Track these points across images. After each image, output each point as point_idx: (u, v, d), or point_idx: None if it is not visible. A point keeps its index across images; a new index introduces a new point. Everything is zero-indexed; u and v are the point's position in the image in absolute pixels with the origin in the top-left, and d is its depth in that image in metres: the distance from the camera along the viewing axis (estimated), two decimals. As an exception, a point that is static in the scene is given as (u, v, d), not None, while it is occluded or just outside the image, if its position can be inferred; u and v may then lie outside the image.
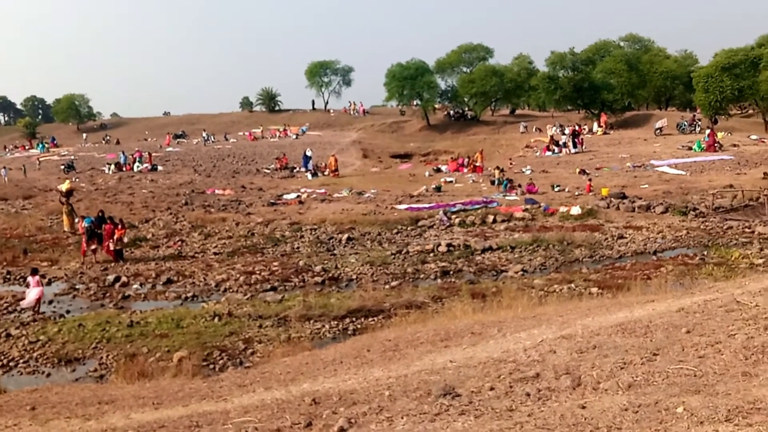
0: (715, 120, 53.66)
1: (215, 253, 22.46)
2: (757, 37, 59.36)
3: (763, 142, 43.85)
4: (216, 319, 14.76)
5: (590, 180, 32.61)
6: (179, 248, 23.23)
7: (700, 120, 53.14)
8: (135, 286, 18.87)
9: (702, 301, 7.47)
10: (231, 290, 18.10)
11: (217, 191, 34.19)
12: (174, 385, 8.90)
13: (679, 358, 5.49)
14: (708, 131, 45.46)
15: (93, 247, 21.63)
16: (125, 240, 22.33)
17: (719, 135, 44.72)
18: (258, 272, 19.59)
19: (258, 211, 28.55)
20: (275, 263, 20.68)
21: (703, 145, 42.35)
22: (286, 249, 22.92)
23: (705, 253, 20.24)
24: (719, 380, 4.76)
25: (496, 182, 35.11)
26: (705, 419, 3.97)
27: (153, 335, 13.83)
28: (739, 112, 65.89)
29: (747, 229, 23.60)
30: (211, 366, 12.23)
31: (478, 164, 41.22)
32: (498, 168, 38.00)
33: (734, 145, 42.93)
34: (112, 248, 21.49)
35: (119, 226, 21.95)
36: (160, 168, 43.71)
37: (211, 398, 7.67)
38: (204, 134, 60.00)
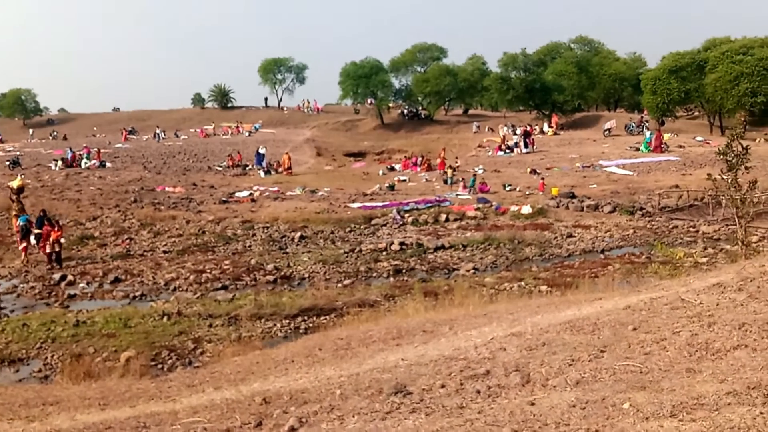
0: (662, 122, 54.90)
1: (165, 252, 22.14)
2: (704, 41, 60.88)
3: (708, 143, 45.00)
4: (165, 319, 14.57)
5: (543, 179, 33.06)
6: (128, 246, 22.82)
7: (647, 121, 54.31)
8: (81, 285, 18.49)
9: (648, 299, 7.61)
10: (181, 289, 17.88)
11: (167, 189, 33.67)
12: (121, 386, 8.74)
13: (626, 355, 5.59)
14: (649, 132, 46.51)
15: (23, 245, 20.92)
16: (63, 242, 21.09)
17: (666, 136, 45.75)
18: (208, 271, 19.38)
19: (209, 209, 28.22)
20: (226, 262, 20.49)
21: (649, 147, 43.27)
22: (237, 247, 22.72)
23: (651, 251, 20.70)
24: (664, 376, 4.86)
25: (449, 181, 35.35)
26: (650, 415, 4.04)
27: (100, 335, 13.59)
28: (685, 114, 67.52)
29: (692, 229, 24.22)
30: (160, 366, 12.07)
31: (440, 159, 41.46)
32: (450, 167, 38.25)
33: (680, 147, 43.99)
34: (48, 250, 20.62)
35: (55, 228, 20.77)
36: (108, 165, 42.83)
37: (159, 399, 7.55)
38: (157, 131, 58.99)
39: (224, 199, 30.74)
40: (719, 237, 22.63)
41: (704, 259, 18.98)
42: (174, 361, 12.34)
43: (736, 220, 15.62)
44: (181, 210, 28.01)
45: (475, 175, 32.54)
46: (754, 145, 15.81)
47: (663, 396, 4.31)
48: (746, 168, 14.76)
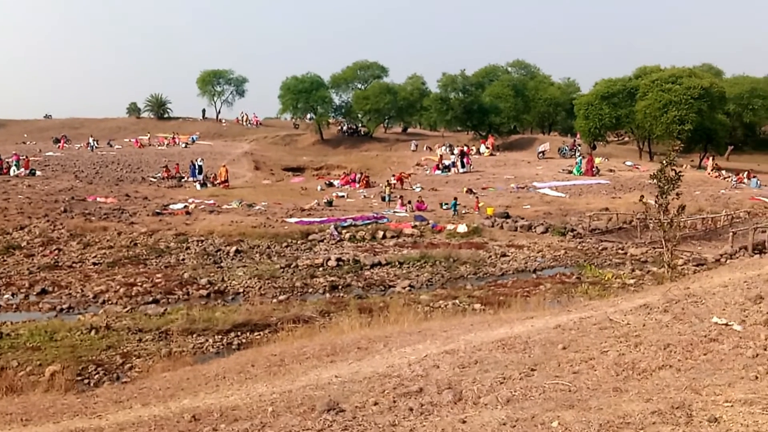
0: (593, 146, 56.47)
1: (94, 264, 21.54)
2: (635, 69, 63.01)
3: (637, 168, 46.45)
4: (93, 332, 14.18)
5: (478, 198, 33.47)
6: (56, 257, 22.11)
7: (580, 145, 55.79)
8: (6, 296, 17.86)
9: (577, 319, 7.78)
10: (110, 302, 17.42)
11: (99, 199, 32.78)
12: (45, 401, 8.45)
13: (555, 374, 5.70)
14: (580, 156, 47.83)
15: None
16: None
17: (597, 160, 47.03)
18: (140, 284, 18.94)
19: (142, 221, 27.58)
20: (158, 275, 20.06)
21: (582, 169, 44.40)
22: (170, 260, 22.28)
23: (581, 272, 21.20)
24: (592, 395, 4.97)
25: (387, 198, 35.49)
26: (578, 432, 4.13)
27: (24, 348, 13.13)
28: (616, 139, 69.63)
29: (620, 251, 24.92)
30: (86, 381, 11.73)
31: (398, 174, 41.86)
32: (388, 184, 38.44)
33: (611, 171, 45.25)
34: None
35: None
36: (38, 173, 41.47)
37: (84, 414, 7.33)
38: (91, 140, 57.39)
39: (158, 211, 30.10)
40: (646, 259, 23.34)
41: (632, 281, 19.54)
42: (101, 376, 12.01)
43: (663, 243, 16.17)
44: (113, 221, 27.29)
45: (456, 198, 32.39)
46: (682, 171, 16.40)
47: (590, 415, 4.40)
48: (677, 194, 15.33)
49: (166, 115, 77.75)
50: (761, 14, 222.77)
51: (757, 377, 4.80)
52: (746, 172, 46.39)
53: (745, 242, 24.97)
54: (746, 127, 68.45)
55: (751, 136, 70.42)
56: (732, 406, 4.23)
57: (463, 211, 31.92)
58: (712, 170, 47.08)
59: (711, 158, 51.94)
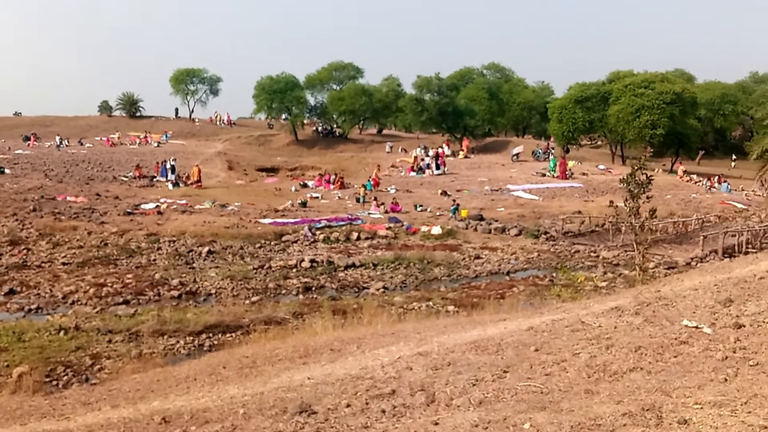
0: (567, 149, 56.96)
1: (64, 263, 21.23)
2: (608, 74, 63.69)
3: (609, 172, 46.91)
4: (62, 333, 13.99)
5: (455, 201, 33.48)
6: (24, 257, 21.77)
7: (553, 148, 56.24)
8: (-28, 297, 17.52)
9: (550, 321, 7.82)
10: (79, 303, 17.19)
11: (69, 198, 32.34)
12: (12, 403, 8.31)
13: (528, 376, 5.71)
14: (552, 158, 48.27)
15: None
16: None
17: (570, 164, 47.42)
18: (110, 284, 18.72)
19: (113, 221, 27.25)
20: (129, 275, 19.84)
21: (556, 172, 44.76)
22: (141, 261, 22.04)
23: (554, 274, 21.35)
24: (564, 397, 4.98)
25: (362, 200, 35.48)
26: (549, 434, 4.14)
27: (-9, 349, 12.88)
28: (589, 143, 70.33)
29: (593, 254, 25.14)
30: (54, 382, 11.56)
31: (374, 176, 41.67)
32: (363, 186, 38.43)
33: (584, 174, 45.65)
34: None
35: None
36: (7, 171, 40.82)
37: (52, 416, 7.22)
38: (57, 138, 56.52)
39: (129, 210, 29.77)
40: (618, 262, 23.56)
41: (604, 283, 19.71)
42: (70, 378, 11.84)
43: (635, 246, 16.33)
44: (83, 221, 26.93)
45: (457, 204, 32.01)
46: (653, 175, 16.61)
47: (562, 416, 4.41)
48: (647, 198, 15.49)
49: (138, 114, 76.97)
50: (732, 21, 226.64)
51: (726, 379, 4.85)
52: (717, 177, 47.09)
53: (716, 246, 25.33)
54: (717, 133, 69.59)
55: (721, 141, 71.59)
56: (701, 408, 4.27)
57: (438, 213, 31.98)
58: (683, 175, 47.71)
59: (680, 164, 52.68)
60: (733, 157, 62.06)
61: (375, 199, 34.47)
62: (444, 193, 38.31)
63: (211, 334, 14.50)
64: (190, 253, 23.07)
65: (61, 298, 17.65)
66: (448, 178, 44.65)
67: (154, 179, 42.14)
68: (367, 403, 5.64)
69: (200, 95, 79.29)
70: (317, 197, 37.27)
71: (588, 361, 5.80)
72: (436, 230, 27.41)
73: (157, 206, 31.07)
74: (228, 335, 14.45)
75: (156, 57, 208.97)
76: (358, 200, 35.76)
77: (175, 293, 18.40)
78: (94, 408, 7.50)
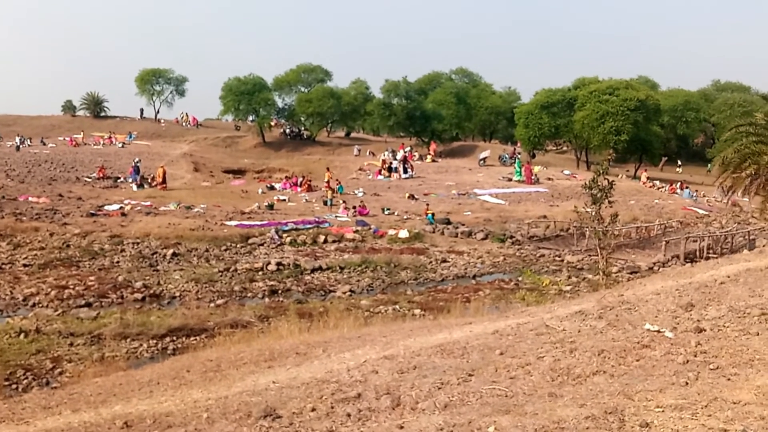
0: (533, 154, 57.51)
1: (25, 265, 20.82)
2: (574, 80, 64.45)
3: (574, 177, 47.43)
4: (22, 336, 13.73)
5: (428, 204, 33.50)
6: (-17, 258, 21.31)
7: (520, 153, 56.73)
8: (-72, 299, 17.09)
9: (515, 324, 7.87)
10: (40, 305, 16.88)
11: (30, 198, 31.76)
12: (-31, 407, 8.11)
13: (493, 379, 5.74)
14: (517, 162, 48.72)
15: None
16: None
17: (536, 169, 47.85)
18: (72, 286, 18.41)
19: (76, 222, 26.82)
20: (92, 278, 19.54)
21: (522, 172, 45.15)
22: (104, 263, 21.71)
23: (519, 278, 21.51)
24: (528, 400, 5.02)
25: (329, 203, 35.40)
26: (513, 438, 4.16)
27: (-53, 353, 12.59)
28: (554, 148, 71.05)
29: (557, 258, 25.40)
30: (14, 386, 11.34)
31: (326, 181, 41.35)
32: (330, 188, 38.33)
33: (549, 179, 46.10)
34: None
35: None
36: (-35, 170, 40.01)
37: (11, 421, 7.08)
38: (18, 138, 55.38)
39: (92, 211, 29.32)
40: (582, 266, 23.84)
41: (568, 287, 19.92)
42: (30, 381, 11.63)
43: (599, 251, 16.54)
44: (45, 222, 26.46)
45: (432, 213, 31.52)
46: (617, 180, 16.86)
47: (526, 420, 4.44)
48: (609, 202, 15.69)
49: (102, 114, 75.95)
50: (696, 29, 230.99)
51: (687, 383, 4.92)
52: (679, 183, 47.89)
53: (677, 251, 25.76)
54: (680, 139, 70.76)
55: (684, 147, 72.80)
56: (663, 411, 4.32)
57: (405, 217, 32.03)
58: (646, 181, 48.46)
59: (644, 171, 53.50)
60: (679, 162, 63.26)
61: (343, 202, 34.41)
62: (411, 196, 38.39)
63: (175, 338, 14.35)
64: (155, 256, 22.80)
65: (21, 300, 17.32)
66: (415, 182, 44.76)
67: (118, 180, 41.56)
68: (332, 407, 5.62)
69: (166, 96, 78.47)
70: (284, 200, 37.08)
71: (552, 365, 5.85)
72: (404, 234, 27.46)
73: (121, 207, 30.66)
74: (192, 338, 14.30)
75: (121, 56, 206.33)
76: (325, 203, 35.67)
77: (139, 296, 18.17)
78: (54, 412, 7.38)
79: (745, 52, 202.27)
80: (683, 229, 32.37)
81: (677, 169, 61.62)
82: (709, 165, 61.07)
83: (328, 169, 45.38)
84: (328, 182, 41.02)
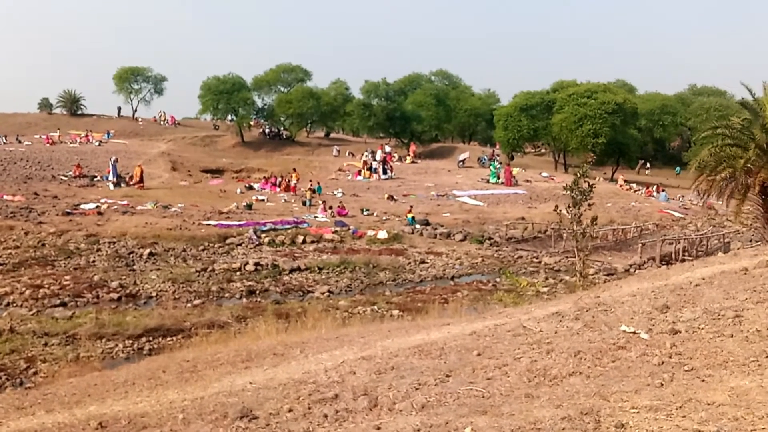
0: (512, 156, 57.83)
1: (-1, 264, 20.57)
2: (552, 83, 64.91)
3: (552, 179, 47.78)
4: (-5, 336, 13.50)
5: (411, 206, 33.49)
6: (-45, 257, 21.00)
7: (498, 155, 57.02)
8: None
9: (492, 326, 7.89)
10: (14, 304, 16.64)
11: (5, 197, 31.35)
12: (-59, 408, 7.98)
13: (470, 380, 5.75)
14: (496, 164, 49.00)
15: None
16: None
17: (515, 171, 48.13)
18: (47, 286, 18.17)
19: (51, 221, 26.50)
20: (67, 277, 19.31)
21: (497, 174, 45.36)
22: (80, 262, 21.47)
23: (497, 280, 21.60)
24: (505, 401, 5.03)
25: (308, 203, 35.32)
26: (490, 439, 4.17)
27: None
28: (533, 150, 71.51)
29: (535, 259, 25.53)
30: (-13, 386, 11.16)
31: (292, 183, 41.10)
32: (310, 189, 38.25)
33: (527, 181, 46.39)
34: None
35: None
36: (-62, 168, 39.42)
37: (-17, 422, 6.96)
38: (-4, 136, 54.67)
39: (68, 210, 29.00)
40: (560, 268, 23.98)
41: (545, 289, 20.02)
42: (3, 382, 11.46)
43: (576, 252, 16.65)
44: (20, 220, 26.12)
45: (413, 216, 31.11)
46: (594, 183, 17.00)
47: (503, 420, 4.45)
48: (589, 205, 15.80)
49: (79, 112, 75.27)
50: (673, 34, 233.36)
51: (662, 384, 4.95)
52: (655, 186, 48.39)
53: (653, 253, 26.00)
54: (656, 143, 71.51)
55: (660, 151, 73.59)
56: (638, 412, 4.35)
57: (384, 218, 32.03)
58: (623, 183, 48.88)
59: (621, 175, 54.00)
60: (647, 165, 63.91)
61: (323, 202, 34.37)
62: (391, 197, 38.42)
63: (151, 338, 14.22)
64: (131, 255, 22.60)
65: (-6, 299, 17.09)
66: (394, 183, 44.83)
67: (95, 179, 41.15)
68: (309, 408, 5.60)
69: (144, 94, 78.08)
70: (263, 200, 36.94)
71: (529, 366, 5.87)
72: (383, 234, 27.46)
73: (98, 206, 30.36)
74: (168, 339, 14.18)
75: (99, 54, 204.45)
76: (304, 203, 35.59)
77: (115, 295, 17.98)
78: (28, 413, 7.30)
79: (722, 57, 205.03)
80: (659, 232, 32.71)
81: (645, 172, 62.19)
82: (677, 168, 62.14)
83: (294, 170, 44.89)
84: (295, 185, 40.82)
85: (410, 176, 47.88)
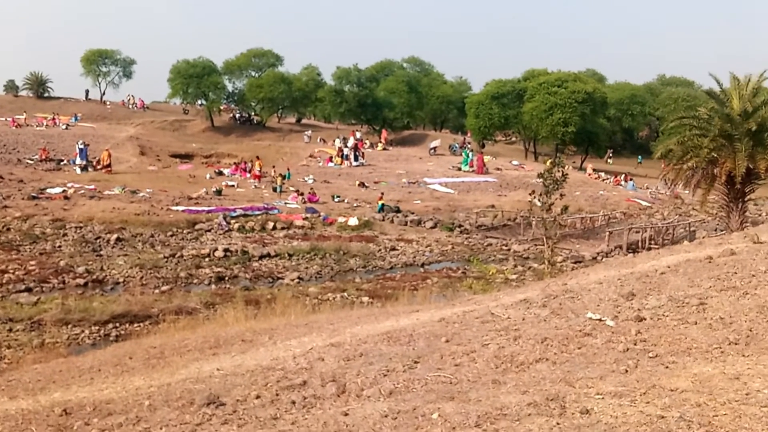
0: (482, 144, 58.02)
1: (-39, 249, 20.20)
2: (523, 72, 65.09)
3: (522, 167, 48.04)
4: (-43, 322, 13.28)
5: (382, 193, 33.44)
6: None
7: (470, 143, 57.15)
8: None
9: (461, 312, 7.92)
10: (-22, 290, 16.39)
11: (-32, 180, 30.76)
12: None
13: (438, 366, 5.77)
14: (467, 152, 49.22)
15: None
16: None
17: (486, 159, 48.29)
18: (11, 271, 17.94)
19: (16, 205, 26.05)
20: (32, 262, 19.05)
21: (469, 163, 45.51)
22: (46, 247, 21.19)
23: (467, 267, 21.72)
24: (472, 387, 5.05)
25: (278, 189, 35.12)
26: (457, 425, 4.18)
27: None
28: (504, 138, 71.77)
29: (504, 247, 25.72)
30: (-51, 373, 10.96)
31: (256, 171, 40.67)
32: (280, 175, 38.01)
33: (498, 169, 46.59)
34: None
35: None
36: None
37: (-56, 409, 6.83)
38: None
39: (34, 194, 28.54)
40: (528, 255, 24.19)
41: (514, 276, 20.20)
42: (-34, 368, 11.27)
43: (545, 240, 16.79)
44: (-17, 204, 25.67)
45: (383, 203, 30.82)
46: (566, 172, 17.13)
47: (470, 406, 4.47)
48: (561, 194, 15.94)
49: (46, 95, 73.78)
50: (643, 24, 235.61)
51: (626, 371, 5.01)
52: (623, 175, 48.90)
53: (620, 241, 26.34)
54: (625, 132, 72.19)
55: (629, 140, 74.32)
56: (603, 398, 4.40)
57: (355, 204, 32.00)
58: (592, 172, 49.33)
59: (590, 164, 54.46)
60: (610, 153, 64.53)
61: (294, 189, 34.18)
62: (362, 184, 38.35)
63: (117, 324, 14.13)
64: (98, 240, 22.34)
65: (-43, 285, 16.81)
66: (366, 170, 44.73)
67: (62, 163, 40.48)
68: (277, 395, 5.58)
69: (112, 77, 76.68)
70: (233, 185, 36.66)
71: (496, 352, 5.90)
72: (353, 221, 27.44)
73: (64, 191, 29.92)
74: (136, 325, 14.09)
75: (67, 36, 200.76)
76: (274, 189, 35.39)
77: (81, 281, 17.80)
78: (-10, 400, 7.16)
79: (691, 48, 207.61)
80: (626, 220, 33.11)
81: (608, 161, 62.81)
82: (639, 157, 63.02)
83: (257, 157, 44.21)
84: (259, 172, 40.32)
85: (382, 163, 47.80)
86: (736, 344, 5.31)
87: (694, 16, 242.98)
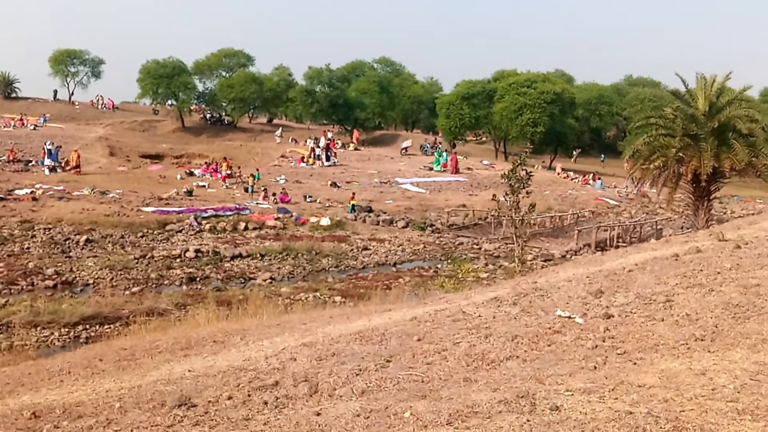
0: (453, 144, 58.26)
1: (-74, 251, 19.84)
2: (494, 72, 65.47)
3: (493, 167, 48.30)
4: None
5: (354, 193, 33.42)
6: None
7: (441, 143, 57.34)
8: None
9: (433, 311, 7.97)
10: (-56, 292, 16.12)
11: (-68, 181, 30.17)
12: None
13: (410, 365, 5.81)
14: (439, 152, 49.44)
15: None
16: None
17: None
18: (-22, 274, 17.64)
19: (-18, 206, 25.63)
20: (0, 264, 18.74)
21: (445, 168, 45.68)
22: (14, 249, 20.88)
23: (438, 266, 21.82)
24: (444, 386, 5.10)
25: (250, 190, 34.94)
26: (429, 423, 4.22)
27: None
28: (474, 138, 72.10)
29: (476, 246, 25.87)
30: None
31: (224, 172, 40.32)
32: (252, 175, 37.81)
33: (468, 169, 46.80)
34: None
35: None
36: None
37: None
38: None
39: (1, 196, 28.08)
40: (499, 254, 24.36)
41: (485, 275, 20.34)
42: (-68, 372, 11.08)
43: (515, 239, 16.92)
44: (-52, 206, 25.21)
45: (354, 204, 30.60)
46: (533, 171, 17.29)
47: (441, 404, 4.51)
48: (527, 193, 16.06)
49: (13, 95, 72.55)
50: (610, 25, 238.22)
51: (595, 367, 5.09)
52: (592, 174, 49.41)
53: (589, 240, 26.63)
54: (593, 132, 72.94)
55: (597, 140, 75.09)
56: (572, 394, 4.46)
57: (327, 204, 31.95)
58: (561, 172, 49.78)
59: (559, 164, 54.96)
60: (574, 153, 65.13)
61: (265, 189, 34.03)
62: (334, 184, 38.30)
63: (87, 326, 13.99)
64: (67, 242, 22.07)
65: None
66: (338, 170, 44.65)
67: (30, 164, 39.88)
68: (249, 395, 5.58)
69: (81, 77, 75.52)
70: (204, 186, 36.40)
71: (467, 350, 5.95)
72: (325, 221, 27.41)
73: (32, 192, 29.47)
74: (106, 327, 13.97)
75: (34, 36, 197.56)
76: (246, 190, 35.20)
77: (50, 283, 17.59)
78: (-43, 404, 7.05)
79: (657, 49, 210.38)
80: (595, 219, 33.47)
81: (572, 160, 63.37)
82: (602, 156, 63.84)
83: (225, 159, 43.87)
84: (227, 174, 40.02)
85: (353, 163, 47.76)
86: (702, 340, 5.41)
87: (661, 17, 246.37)
